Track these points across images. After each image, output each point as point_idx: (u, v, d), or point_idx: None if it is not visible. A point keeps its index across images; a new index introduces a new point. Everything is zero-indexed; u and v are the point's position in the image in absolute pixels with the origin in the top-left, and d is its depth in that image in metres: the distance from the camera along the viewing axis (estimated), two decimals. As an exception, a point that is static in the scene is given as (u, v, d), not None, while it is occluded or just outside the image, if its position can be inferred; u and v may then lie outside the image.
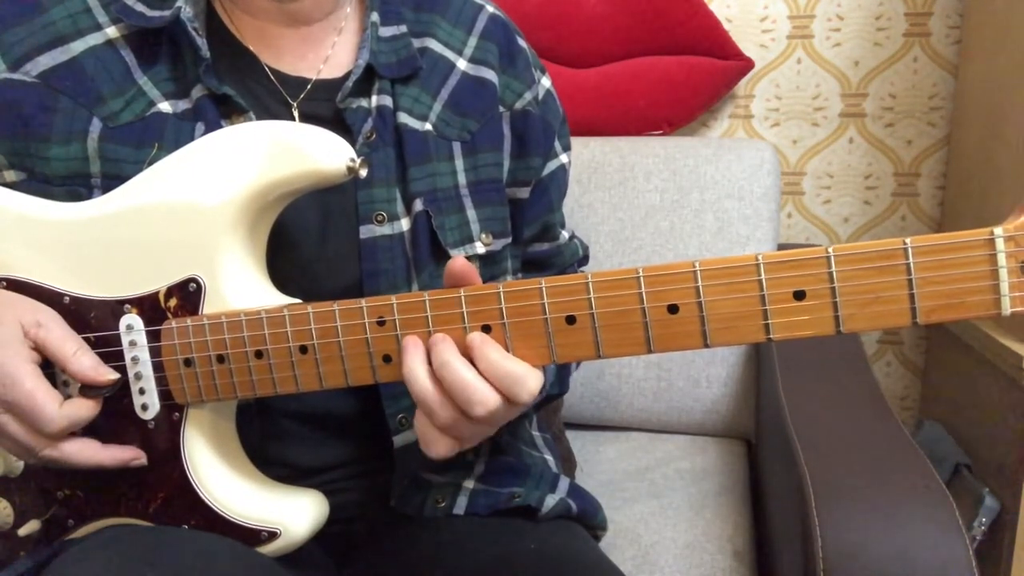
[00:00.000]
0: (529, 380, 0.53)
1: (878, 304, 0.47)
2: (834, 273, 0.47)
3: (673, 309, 0.50)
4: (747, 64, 1.37)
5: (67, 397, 0.59)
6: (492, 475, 0.76)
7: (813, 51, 1.40)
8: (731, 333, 0.50)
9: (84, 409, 0.59)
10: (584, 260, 0.93)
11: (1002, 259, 0.45)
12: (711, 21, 1.35)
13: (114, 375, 0.60)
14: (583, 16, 1.36)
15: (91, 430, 0.61)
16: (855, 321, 0.48)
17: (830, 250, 0.47)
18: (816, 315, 0.48)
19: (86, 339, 0.61)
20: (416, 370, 0.53)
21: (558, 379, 0.81)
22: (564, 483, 0.78)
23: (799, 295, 0.48)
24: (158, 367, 0.61)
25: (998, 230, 0.45)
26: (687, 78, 1.35)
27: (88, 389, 0.60)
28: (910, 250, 0.46)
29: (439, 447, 0.55)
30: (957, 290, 0.46)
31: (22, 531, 0.64)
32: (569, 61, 1.39)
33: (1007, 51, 1.14)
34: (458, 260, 0.54)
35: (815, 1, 1.38)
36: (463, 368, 0.53)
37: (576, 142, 1.25)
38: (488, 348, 0.53)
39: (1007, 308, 0.45)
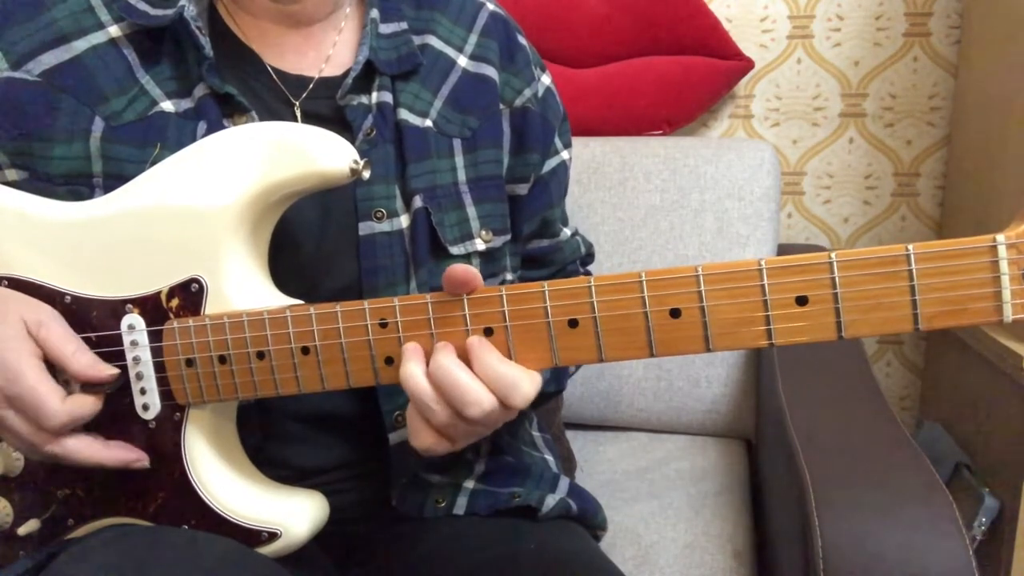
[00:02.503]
0: (524, 384, 0.54)
1: (880, 310, 0.47)
2: (836, 279, 0.47)
3: (675, 313, 0.50)
4: (747, 64, 1.37)
5: (70, 394, 0.59)
6: (492, 475, 0.76)
7: (813, 51, 1.40)
8: (733, 338, 0.50)
9: (86, 405, 0.59)
10: (588, 258, 0.93)
11: (1004, 266, 0.45)
12: (711, 21, 1.35)
13: (113, 371, 0.60)
14: (583, 16, 1.35)
15: (93, 429, 0.61)
16: (857, 327, 0.48)
17: (833, 256, 0.47)
18: (818, 321, 0.48)
19: (87, 339, 0.61)
20: (414, 371, 0.54)
21: (554, 377, 0.81)
22: (564, 483, 0.78)
23: (801, 300, 0.48)
24: (159, 367, 0.61)
25: (1000, 237, 0.45)
26: (687, 78, 1.35)
27: (89, 386, 0.60)
28: (912, 256, 0.46)
29: (423, 438, 0.56)
30: (959, 297, 0.46)
31: (22, 530, 0.64)
32: (569, 61, 1.39)
33: (1007, 51, 1.14)
34: (459, 267, 0.54)
35: (815, 1, 1.38)
36: (458, 370, 0.53)
37: (576, 142, 1.25)
38: (484, 351, 0.54)
39: (1008, 315, 0.45)
